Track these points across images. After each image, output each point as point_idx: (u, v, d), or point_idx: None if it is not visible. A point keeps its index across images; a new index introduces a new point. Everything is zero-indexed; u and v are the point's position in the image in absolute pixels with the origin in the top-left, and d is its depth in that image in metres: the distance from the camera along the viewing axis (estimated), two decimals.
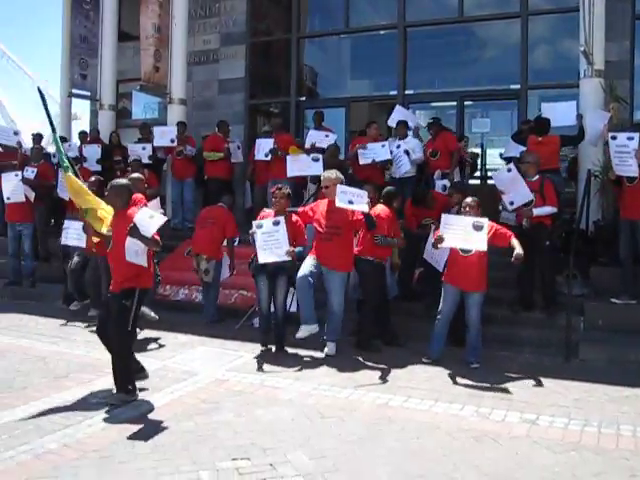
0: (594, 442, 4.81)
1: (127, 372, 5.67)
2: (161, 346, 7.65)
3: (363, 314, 7.49)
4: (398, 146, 9.69)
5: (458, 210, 7.33)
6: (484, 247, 6.46)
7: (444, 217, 6.72)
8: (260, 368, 6.74)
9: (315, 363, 6.91)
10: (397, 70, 12.71)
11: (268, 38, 14.80)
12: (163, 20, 12.13)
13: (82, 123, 24.82)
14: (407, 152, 9.55)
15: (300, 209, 7.61)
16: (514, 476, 4.22)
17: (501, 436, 4.90)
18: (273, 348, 7.41)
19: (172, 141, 11.34)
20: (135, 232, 5.35)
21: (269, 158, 10.18)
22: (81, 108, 23.14)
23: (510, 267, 8.30)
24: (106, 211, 6.05)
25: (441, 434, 4.94)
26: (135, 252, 5.47)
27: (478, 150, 12.71)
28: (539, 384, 6.22)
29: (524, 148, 9.02)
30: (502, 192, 7.98)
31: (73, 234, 8.63)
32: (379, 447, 4.67)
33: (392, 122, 10.44)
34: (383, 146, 9.59)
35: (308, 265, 7.11)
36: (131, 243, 5.43)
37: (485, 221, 6.51)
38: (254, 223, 7.19)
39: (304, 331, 7.07)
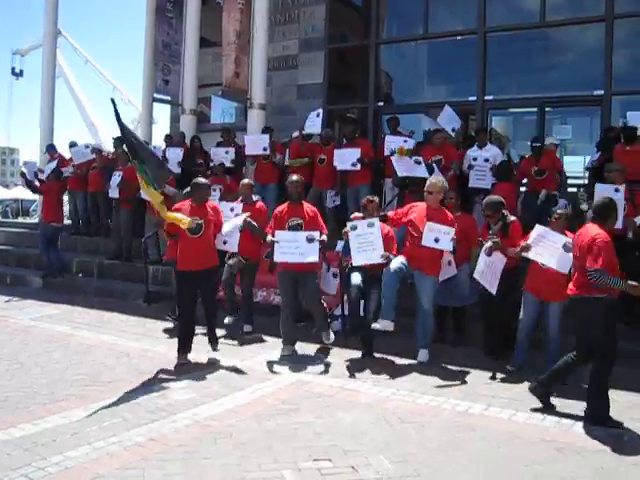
0: None
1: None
2: (241, 347, 7.80)
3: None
4: (475, 159, 9.56)
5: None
6: (566, 270, 6.33)
7: (539, 229, 6.57)
8: (340, 372, 6.77)
9: (395, 368, 6.91)
10: (477, 76, 12.55)
11: (346, 44, 14.86)
12: (244, 27, 12.32)
13: (160, 127, 25.48)
14: (492, 168, 9.38)
15: (390, 213, 7.57)
16: None
17: (585, 449, 4.81)
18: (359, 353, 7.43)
19: (264, 149, 11.10)
20: None
21: (358, 168, 9.96)
22: (158, 113, 23.80)
23: None
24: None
25: (523, 444, 4.87)
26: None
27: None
28: (621, 396, 6.02)
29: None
30: None
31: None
32: (460, 454, 4.65)
33: (441, 122, 10.40)
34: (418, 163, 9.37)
35: (398, 262, 7.02)
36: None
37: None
38: (348, 224, 7.23)
39: (382, 324, 6.91)
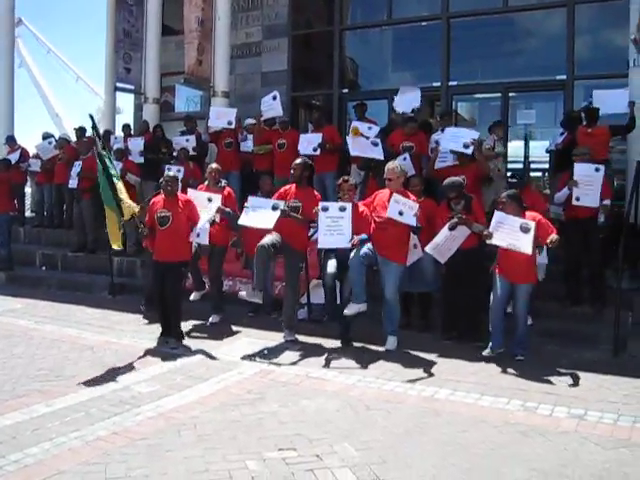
0: None
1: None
2: (207, 337, 7.72)
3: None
4: (437, 142, 9.38)
5: None
6: (529, 250, 6.41)
7: (496, 215, 6.66)
8: (305, 360, 6.74)
9: (361, 355, 6.88)
10: (440, 61, 12.57)
11: (310, 30, 14.75)
12: (206, 14, 12.16)
13: (126, 117, 25.14)
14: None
15: (361, 203, 7.52)
16: (563, 472, 4.15)
17: (549, 431, 4.83)
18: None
19: (230, 123, 10.84)
20: None
21: (317, 153, 9.78)
22: (124, 102, 23.43)
23: (559, 261, 8.23)
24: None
25: (488, 428, 4.89)
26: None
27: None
28: (587, 379, 6.11)
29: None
30: (575, 184, 7.76)
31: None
32: (425, 440, 4.65)
33: (399, 106, 10.39)
34: (376, 144, 9.19)
35: (364, 247, 7.01)
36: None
37: (532, 224, 6.45)
38: (320, 204, 7.16)
39: (352, 308, 6.94)
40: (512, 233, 6.48)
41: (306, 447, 4.47)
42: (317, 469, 4.12)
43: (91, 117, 7.60)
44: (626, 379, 6.09)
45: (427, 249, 7.02)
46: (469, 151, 8.32)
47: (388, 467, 4.17)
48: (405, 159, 9.14)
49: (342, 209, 7.03)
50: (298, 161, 7.73)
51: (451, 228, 6.96)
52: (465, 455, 4.40)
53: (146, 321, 8.42)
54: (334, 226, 6.99)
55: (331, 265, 7.30)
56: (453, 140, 8.62)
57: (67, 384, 5.87)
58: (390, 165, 7.33)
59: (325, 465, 4.18)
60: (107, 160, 7.56)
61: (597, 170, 7.72)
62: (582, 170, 7.79)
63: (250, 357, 6.83)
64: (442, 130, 9.70)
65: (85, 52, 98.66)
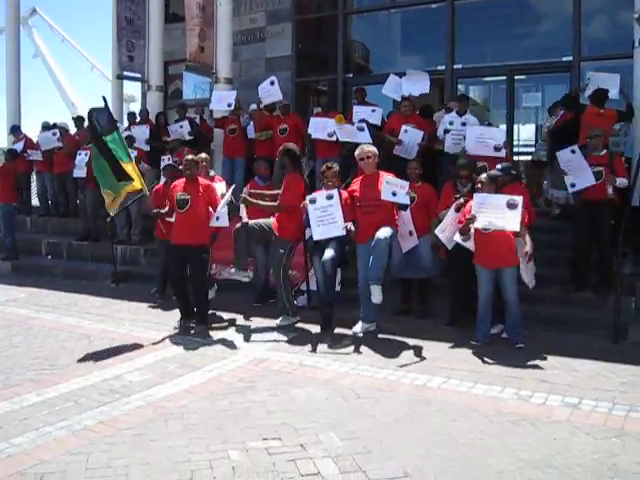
0: (638, 429, 4.59)
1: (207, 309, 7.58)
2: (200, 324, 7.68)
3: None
4: (451, 122, 9.27)
5: None
6: (517, 227, 6.28)
7: (477, 196, 6.51)
8: (300, 348, 6.68)
9: (356, 342, 6.81)
10: (445, 45, 12.43)
11: (314, 15, 14.63)
12: (207, 0, 12.07)
13: (138, 105, 25.12)
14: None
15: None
16: (551, 462, 4.06)
17: (540, 420, 4.74)
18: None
19: (229, 105, 10.87)
20: None
21: (334, 138, 9.70)
22: (136, 90, 23.46)
23: (559, 246, 8.13)
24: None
25: (479, 417, 4.81)
26: None
27: None
28: (584, 366, 6.01)
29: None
30: (564, 172, 7.70)
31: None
32: (414, 429, 4.58)
33: (387, 92, 10.29)
34: (362, 129, 9.13)
35: (363, 271, 7.00)
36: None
37: (520, 199, 6.30)
38: (307, 198, 7.09)
39: (359, 327, 7.01)
40: (497, 212, 6.33)
41: (291, 437, 4.42)
42: (299, 459, 4.06)
43: (104, 99, 8.04)
44: (624, 366, 5.98)
45: (436, 232, 6.98)
46: (502, 154, 8.12)
47: (372, 457, 4.10)
48: (406, 131, 9.07)
49: (329, 197, 6.98)
50: (280, 148, 7.76)
51: (457, 209, 6.88)
52: (453, 445, 4.33)
53: (147, 309, 8.47)
54: (325, 216, 6.93)
55: (317, 264, 7.27)
56: (479, 142, 8.32)
57: (60, 373, 5.87)
58: (364, 146, 7.29)
59: (308, 455, 4.13)
60: (113, 141, 8.01)
61: (573, 152, 7.65)
62: (563, 158, 7.73)
63: (244, 345, 6.80)
64: (458, 113, 9.53)
65: (100, 40, 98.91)
